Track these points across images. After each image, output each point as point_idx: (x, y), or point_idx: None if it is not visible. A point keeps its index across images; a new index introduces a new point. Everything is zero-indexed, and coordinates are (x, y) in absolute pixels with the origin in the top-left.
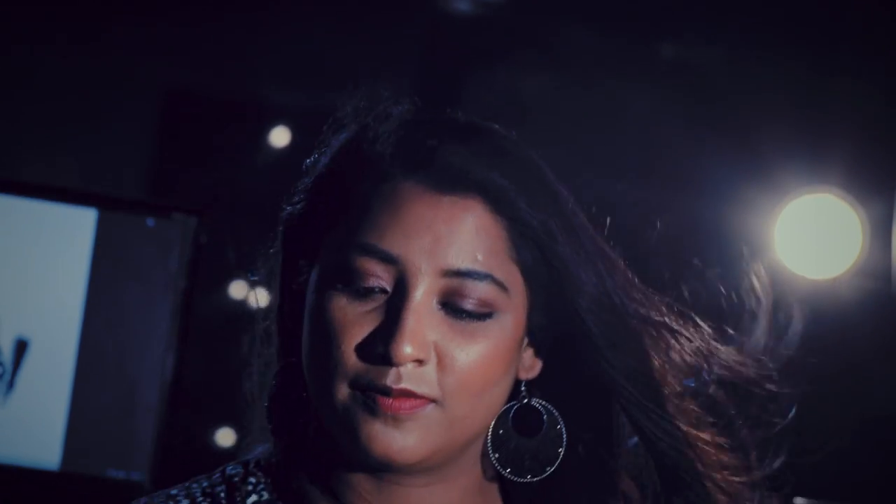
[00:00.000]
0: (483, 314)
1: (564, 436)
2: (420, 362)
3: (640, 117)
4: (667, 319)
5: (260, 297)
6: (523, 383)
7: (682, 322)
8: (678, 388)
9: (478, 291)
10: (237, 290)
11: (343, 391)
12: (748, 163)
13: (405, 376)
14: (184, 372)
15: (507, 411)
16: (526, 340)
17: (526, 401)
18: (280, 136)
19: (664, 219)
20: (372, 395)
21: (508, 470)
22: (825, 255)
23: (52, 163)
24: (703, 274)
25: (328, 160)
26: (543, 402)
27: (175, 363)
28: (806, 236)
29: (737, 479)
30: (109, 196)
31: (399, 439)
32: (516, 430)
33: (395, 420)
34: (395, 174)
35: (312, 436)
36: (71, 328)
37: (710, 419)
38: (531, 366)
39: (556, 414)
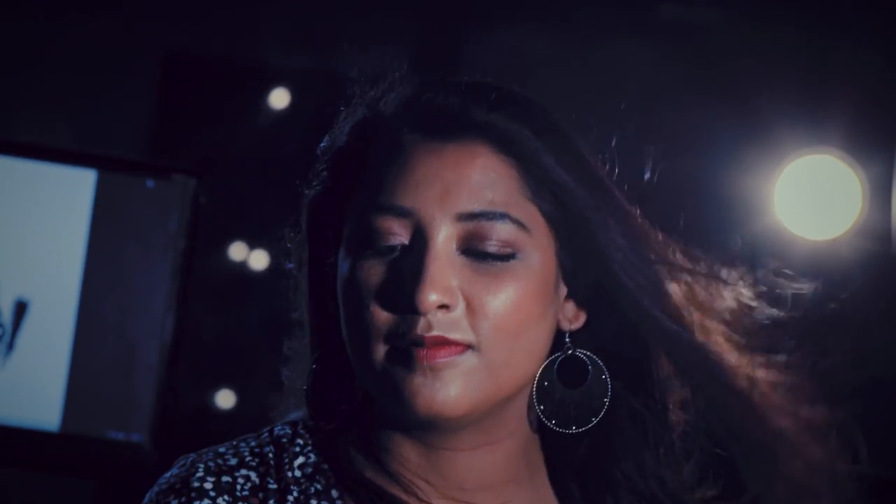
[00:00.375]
0: (505, 255)
1: (609, 385)
2: (447, 308)
3: (639, 79)
4: (688, 263)
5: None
6: (567, 335)
7: (700, 265)
8: (715, 325)
9: (496, 232)
10: (237, 251)
11: (380, 351)
12: (748, 124)
13: (435, 324)
14: (184, 333)
15: (551, 363)
16: (565, 290)
17: (570, 352)
18: (279, 98)
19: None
20: (408, 350)
21: (553, 422)
22: (825, 216)
23: (52, 124)
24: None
25: (342, 137)
26: (588, 353)
27: (175, 324)
28: (805, 197)
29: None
30: (109, 157)
31: (441, 391)
32: (562, 381)
33: (434, 371)
34: (400, 132)
35: (356, 413)
36: (71, 289)
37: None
38: (574, 317)
39: (602, 364)
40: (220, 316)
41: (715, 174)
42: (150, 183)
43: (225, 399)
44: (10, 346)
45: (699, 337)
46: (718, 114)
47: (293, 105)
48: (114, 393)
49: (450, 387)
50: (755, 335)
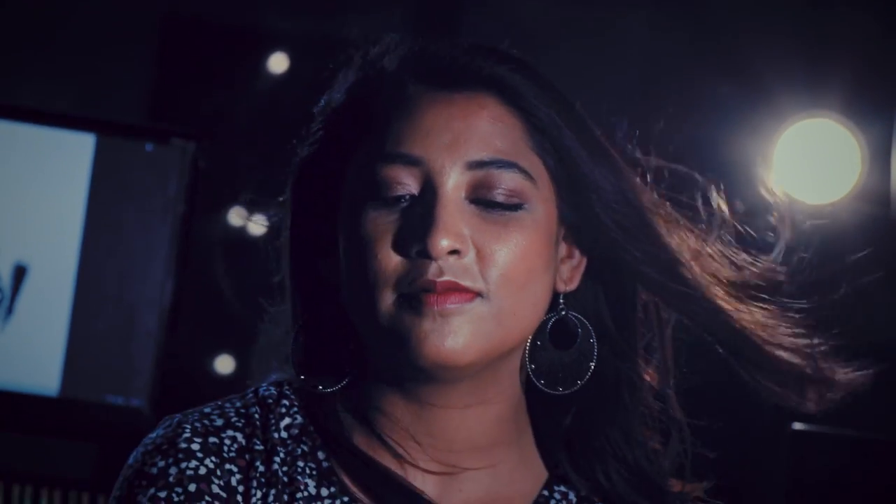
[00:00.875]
0: (514, 205)
1: (595, 350)
2: (458, 254)
3: (639, 42)
4: (678, 218)
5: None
6: (562, 296)
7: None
8: (707, 271)
9: (505, 181)
10: (236, 215)
11: (388, 299)
12: (747, 88)
13: (447, 269)
14: (183, 298)
15: (545, 323)
16: (564, 249)
17: (564, 313)
18: (278, 63)
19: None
20: (418, 296)
21: (543, 381)
22: (824, 180)
23: (50, 88)
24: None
25: (340, 96)
26: (579, 316)
27: (174, 289)
28: (805, 161)
29: (791, 338)
30: (108, 121)
31: (450, 337)
32: (553, 343)
33: (443, 317)
34: (405, 85)
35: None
36: (69, 254)
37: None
38: (570, 278)
39: (590, 328)
40: (220, 280)
41: (714, 138)
42: (149, 147)
43: (224, 364)
44: (10, 311)
45: (701, 291)
46: (717, 77)
47: (292, 70)
48: (113, 358)
49: (458, 333)
50: (750, 287)
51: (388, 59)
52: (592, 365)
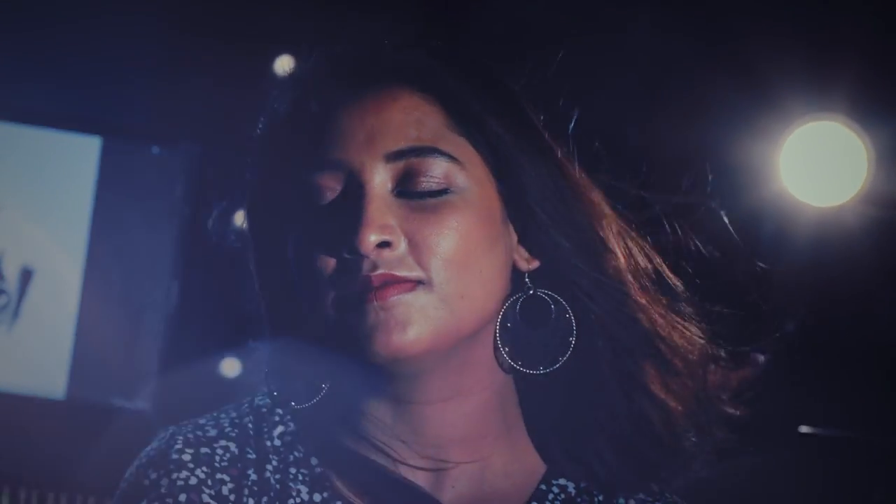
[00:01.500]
0: (440, 190)
1: (574, 324)
2: (390, 246)
3: (646, 44)
4: (616, 216)
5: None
6: (526, 275)
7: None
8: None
9: (427, 167)
10: (241, 218)
11: (330, 299)
12: (754, 90)
13: (380, 263)
14: (189, 301)
15: (513, 304)
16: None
17: (532, 292)
18: (285, 65)
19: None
20: (357, 295)
21: (520, 363)
22: (831, 183)
23: (58, 90)
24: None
25: (267, 116)
26: (549, 292)
27: (180, 292)
28: (811, 164)
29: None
30: (114, 124)
31: (396, 329)
32: (525, 323)
33: (386, 310)
34: (319, 93)
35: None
36: (76, 256)
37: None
38: (530, 257)
39: (564, 303)
40: (226, 283)
41: (721, 140)
42: (155, 149)
43: (230, 367)
44: (16, 314)
45: (625, 289)
46: (724, 80)
47: None
48: (119, 360)
49: (405, 324)
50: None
51: (302, 72)
52: (573, 340)
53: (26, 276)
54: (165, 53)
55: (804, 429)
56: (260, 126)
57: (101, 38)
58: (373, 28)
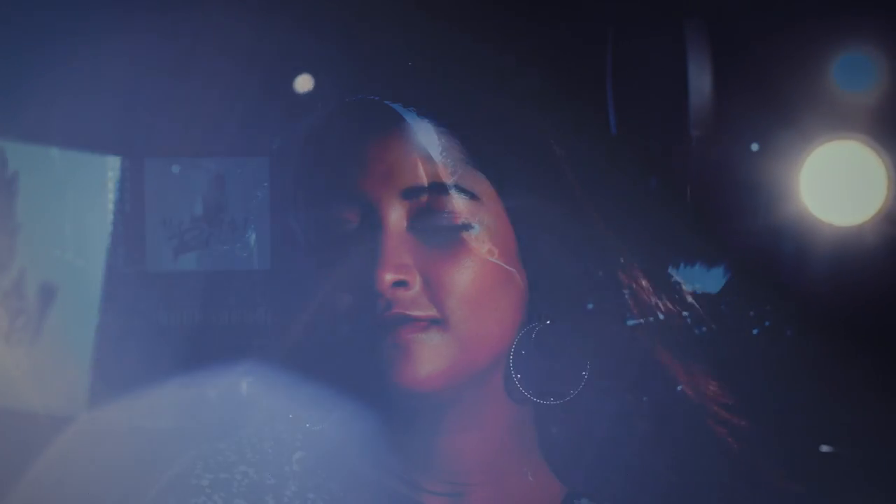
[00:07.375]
0: (458, 226)
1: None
2: (405, 286)
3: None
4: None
5: None
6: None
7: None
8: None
9: (444, 204)
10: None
11: (345, 334)
12: (774, 109)
13: (395, 302)
14: (212, 321)
15: (528, 332)
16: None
17: (549, 322)
18: (304, 83)
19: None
20: (372, 332)
21: (531, 391)
22: (850, 202)
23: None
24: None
25: (297, 152)
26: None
27: (202, 311)
28: (831, 183)
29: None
30: (134, 141)
31: (409, 368)
32: (540, 351)
33: (399, 348)
34: (345, 132)
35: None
36: (96, 275)
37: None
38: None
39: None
40: (250, 305)
41: (741, 159)
42: (175, 168)
43: (250, 387)
44: (36, 333)
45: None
46: (744, 99)
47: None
48: (140, 379)
49: (417, 363)
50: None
51: (334, 112)
52: (586, 375)
53: (47, 294)
54: (185, 73)
55: (825, 448)
56: (278, 147)
57: (118, 55)
58: (385, 42)
